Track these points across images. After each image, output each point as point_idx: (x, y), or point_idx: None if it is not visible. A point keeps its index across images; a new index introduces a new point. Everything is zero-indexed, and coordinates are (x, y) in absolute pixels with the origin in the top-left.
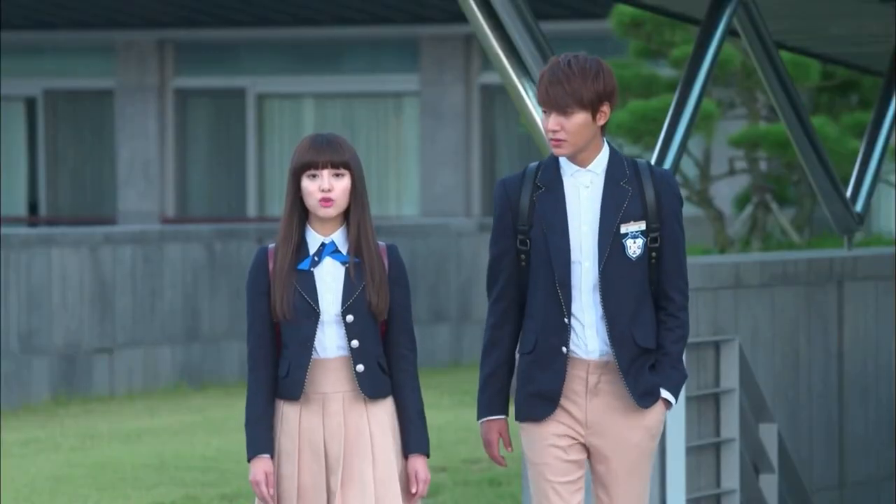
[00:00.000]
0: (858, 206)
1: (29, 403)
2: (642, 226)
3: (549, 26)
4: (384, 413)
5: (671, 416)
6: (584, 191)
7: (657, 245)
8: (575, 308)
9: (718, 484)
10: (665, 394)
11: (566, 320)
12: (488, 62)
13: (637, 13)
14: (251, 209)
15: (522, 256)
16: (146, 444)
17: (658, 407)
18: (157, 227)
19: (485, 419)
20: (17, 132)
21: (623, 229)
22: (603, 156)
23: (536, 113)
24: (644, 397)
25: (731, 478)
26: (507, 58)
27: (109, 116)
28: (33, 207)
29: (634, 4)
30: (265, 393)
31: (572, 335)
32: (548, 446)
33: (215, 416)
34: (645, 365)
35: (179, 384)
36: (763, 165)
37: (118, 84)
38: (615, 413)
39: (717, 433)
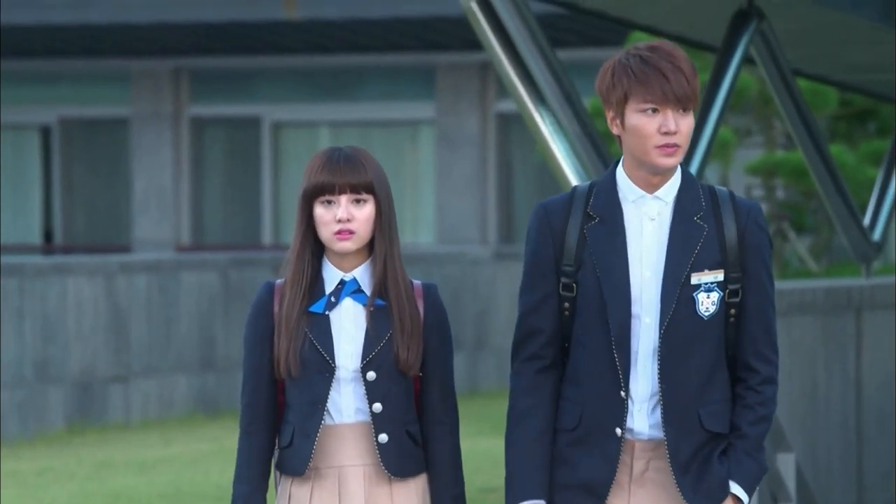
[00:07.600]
0: (876, 235)
1: (44, 432)
2: (720, 276)
3: (565, 54)
4: (415, 493)
5: None
6: (648, 224)
7: (737, 300)
8: (631, 376)
9: None
10: (735, 488)
11: (622, 393)
12: (504, 90)
13: (654, 40)
14: (266, 237)
15: (566, 305)
16: (161, 473)
17: None
18: (172, 256)
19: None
20: (32, 160)
21: (695, 279)
22: (675, 179)
23: (552, 140)
24: (707, 497)
25: None
26: (523, 85)
27: (125, 144)
28: (48, 235)
29: (651, 32)
30: (258, 464)
31: (628, 413)
32: None
33: (231, 445)
34: (713, 454)
35: (194, 413)
36: (780, 193)
37: (133, 112)
38: None
39: None
